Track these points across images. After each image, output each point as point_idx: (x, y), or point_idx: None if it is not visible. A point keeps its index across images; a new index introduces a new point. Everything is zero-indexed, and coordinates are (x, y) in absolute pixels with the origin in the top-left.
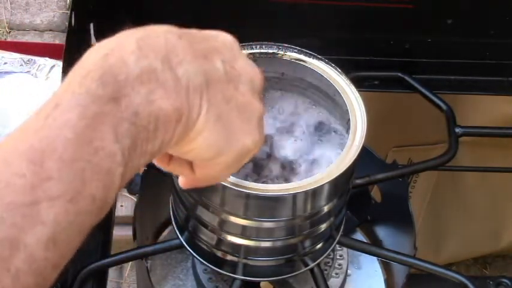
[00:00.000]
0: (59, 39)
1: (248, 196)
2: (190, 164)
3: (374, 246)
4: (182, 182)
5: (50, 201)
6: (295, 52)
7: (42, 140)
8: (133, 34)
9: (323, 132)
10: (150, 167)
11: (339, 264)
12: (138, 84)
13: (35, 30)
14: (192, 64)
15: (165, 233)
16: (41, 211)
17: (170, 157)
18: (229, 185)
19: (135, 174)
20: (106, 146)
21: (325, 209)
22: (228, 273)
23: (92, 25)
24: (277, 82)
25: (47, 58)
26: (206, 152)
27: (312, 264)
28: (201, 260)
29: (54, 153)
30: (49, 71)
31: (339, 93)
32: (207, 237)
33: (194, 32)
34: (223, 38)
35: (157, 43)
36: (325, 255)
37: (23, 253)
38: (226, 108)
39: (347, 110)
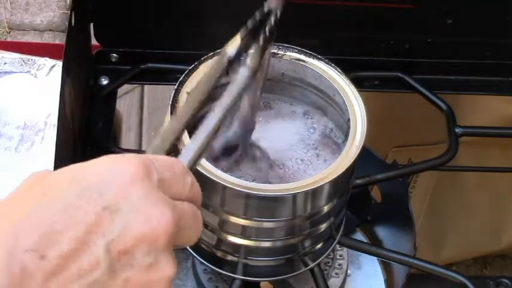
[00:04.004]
0: (59, 39)
1: (248, 196)
2: None
3: (374, 246)
4: None
5: None
6: (295, 52)
7: None
8: None
9: (322, 133)
10: None
11: (339, 264)
12: None
13: (35, 30)
14: None
15: None
16: None
17: None
18: (229, 185)
19: None
20: None
21: (325, 209)
22: (228, 273)
23: (92, 25)
24: (277, 82)
25: (47, 58)
26: None
27: (312, 264)
28: (201, 260)
29: None
30: (49, 71)
31: (339, 93)
32: (207, 237)
33: (72, 207)
34: (117, 183)
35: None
36: (325, 255)
37: None
38: None
39: (347, 110)
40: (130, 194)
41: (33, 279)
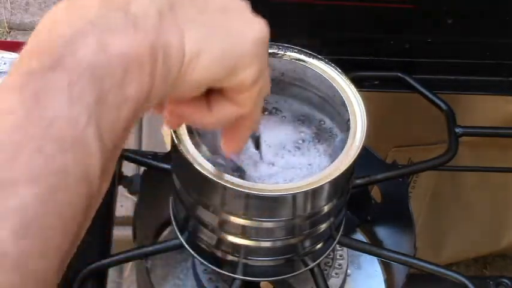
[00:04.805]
0: None
1: (248, 196)
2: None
3: (374, 246)
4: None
5: (5, 190)
6: (295, 52)
7: None
8: (63, 1)
9: (320, 133)
10: (150, 167)
11: (339, 264)
12: (82, 38)
13: None
14: None
15: (165, 233)
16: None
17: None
18: (229, 185)
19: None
20: (61, 114)
21: (325, 209)
22: (228, 273)
23: None
24: (277, 82)
25: None
26: (218, 68)
27: (312, 264)
28: (201, 260)
29: None
30: None
31: (339, 93)
32: (207, 237)
33: None
34: None
35: None
36: (325, 255)
37: None
38: (207, 16)
39: (347, 110)
40: None
41: None
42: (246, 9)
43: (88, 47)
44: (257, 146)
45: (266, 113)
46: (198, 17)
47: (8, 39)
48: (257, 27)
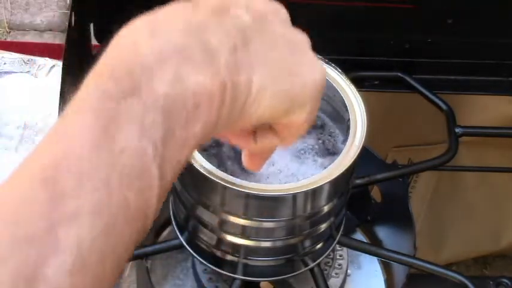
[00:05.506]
0: (59, 39)
1: (248, 196)
2: (273, 132)
3: (374, 246)
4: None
5: (68, 221)
6: None
7: (55, 154)
8: (144, 19)
9: (321, 133)
10: None
11: (339, 264)
12: (158, 68)
13: (35, 30)
14: (218, 28)
15: (165, 233)
16: (58, 235)
17: (254, 133)
18: (229, 185)
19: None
20: (130, 145)
21: (325, 209)
22: (228, 273)
23: (92, 25)
24: None
25: (47, 58)
26: (278, 108)
27: (312, 264)
28: (201, 260)
29: (67, 167)
30: (49, 71)
31: (339, 93)
32: (207, 237)
33: None
34: None
35: (173, 20)
36: (325, 255)
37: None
38: (276, 54)
39: (347, 110)
40: None
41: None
42: (307, 46)
43: (165, 76)
44: None
45: None
46: (269, 54)
47: (8, 39)
48: (318, 71)
